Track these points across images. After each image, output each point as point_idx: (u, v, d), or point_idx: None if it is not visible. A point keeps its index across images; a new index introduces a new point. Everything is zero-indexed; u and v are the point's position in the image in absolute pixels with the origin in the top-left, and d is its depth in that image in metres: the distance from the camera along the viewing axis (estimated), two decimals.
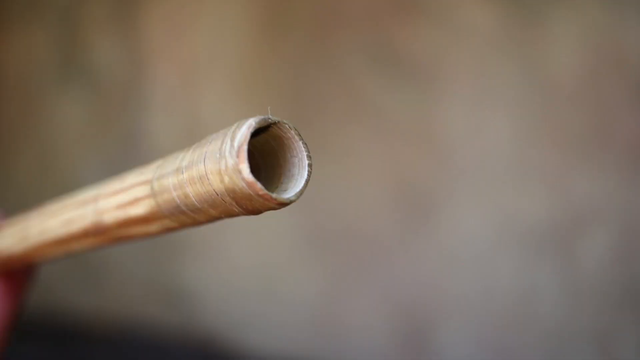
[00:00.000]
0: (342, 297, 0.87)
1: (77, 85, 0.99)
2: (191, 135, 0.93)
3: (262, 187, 0.25)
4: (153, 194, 0.29)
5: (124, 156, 0.97)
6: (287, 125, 0.27)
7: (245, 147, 0.25)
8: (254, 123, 0.25)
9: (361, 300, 0.85)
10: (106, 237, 0.32)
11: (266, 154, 0.27)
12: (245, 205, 0.26)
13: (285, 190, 0.27)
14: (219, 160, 0.25)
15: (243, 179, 0.24)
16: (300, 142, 0.27)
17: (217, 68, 0.92)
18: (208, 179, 0.26)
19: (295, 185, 0.27)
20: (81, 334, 0.93)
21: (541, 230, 0.77)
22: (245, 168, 0.24)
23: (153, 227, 0.30)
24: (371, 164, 0.84)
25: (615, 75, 0.73)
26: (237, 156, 0.24)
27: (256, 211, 0.26)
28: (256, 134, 0.25)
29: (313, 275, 0.87)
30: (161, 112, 0.95)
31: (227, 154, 0.25)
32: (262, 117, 0.25)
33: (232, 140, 0.25)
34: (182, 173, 0.27)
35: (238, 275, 0.91)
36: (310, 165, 0.27)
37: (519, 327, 0.79)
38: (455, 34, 0.80)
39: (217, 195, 0.26)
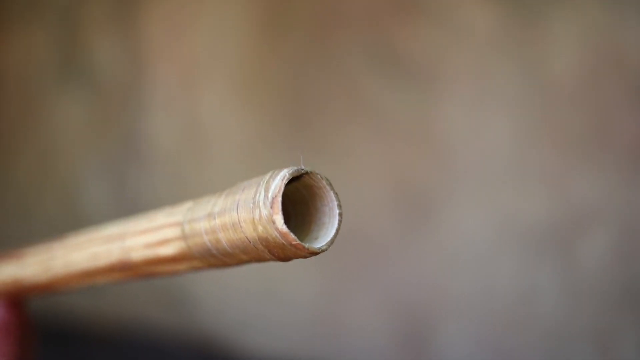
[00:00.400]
0: (342, 298, 0.86)
1: (77, 85, 0.99)
2: (191, 135, 0.93)
3: (295, 238, 0.25)
4: (184, 237, 0.29)
5: (123, 156, 0.97)
6: (318, 176, 0.28)
7: (279, 199, 0.25)
8: (287, 174, 0.26)
9: (361, 300, 0.85)
10: (132, 273, 0.32)
11: (297, 201, 0.28)
12: (277, 253, 0.26)
13: (316, 239, 0.27)
14: (252, 210, 0.25)
15: (277, 229, 0.25)
16: (332, 192, 0.29)
17: (217, 68, 0.92)
18: (241, 226, 0.26)
19: (326, 233, 0.28)
20: (81, 336, 0.93)
21: (541, 230, 0.77)
22: (279, 219, 0.25)
23: (181, 267, 0.30)
24: (371, 165, 0.84)
25: (615, 76, 0.73)
26: (272, 207, 0.25)
27: (287, 258, 0.27)
28: (288, 182, 0.26)
29: (312, 275, 0.87)
30: (161, 112, 0.95)
31: (261, 204, 0.25)
32: (296, 167, 0.26)
33: (266, 190, 0.25)
34: (215, 219, 0.27)
35: (237, 277, 0.91)
36: (340, 215, 0.28)
37: (519, 327, 0.79)
38: (455, 34, 0.80)
39: (250, 242, 0.26)
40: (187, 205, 0.29)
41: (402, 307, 0.83)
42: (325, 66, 0.85)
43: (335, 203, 0.29)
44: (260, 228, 0.25)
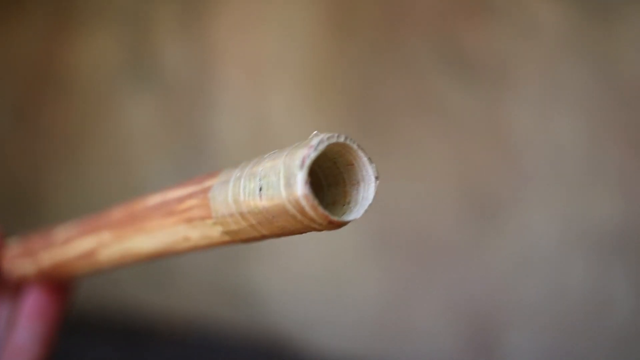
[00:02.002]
0: (406, 300, 0.86)
1: (146, 86, 1.00)
2: (259, 137, 0.93)
3: (325, 212, 0.25)
4: (226, 233, 0.29)
5: (192, 157, 0.98)
6: (340, 140, 0.27)
7: (313, 200, 0.25)
8: (308, 162, 0.25)
9: (427, 303, 0.85)
10: (174, 255, 0.32)
11: (320, 159, 0.27)
12: (309, 225, 0.26)
13: (351, 203, 0.27)
14: (280, 183, 0.25)
15: (306, 201, 0.25)
16: (359, 150, 0.28)
17: (285, 69, 0.92)
18: (271, 193, 0.26)
19: (364, 192, 0.27)
20: (149, 333, 0.94)
21: (614, 233, 0.75)
22: (309, 194, 0.24)
23: (229, 244, 0.30)
24: (439, 166, 0.84)
25: None
26: (301, 185, 0.24)
27: (321, 229, 0.26)
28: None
29: (378, 277, 0.87)
30: (229, 113, 0.95)
31: (288, 182, 0.25)
32: (313, 152, 0.25)
33: (290, 167, 0.25)
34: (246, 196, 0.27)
35: (304, 277, 0.91)
36: (377, 179, 0.28)
37: (590, 334, 0.77)
38: (524, 33, 0.78)
39: (280, 211, 0.26)
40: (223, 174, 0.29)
41: (468, 310, 0.82)
42: (392, 66, 0.85)
43: (365, 159, 0.28)
44: (290, 202, 0.25)
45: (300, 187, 0.24)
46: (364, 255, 0.88)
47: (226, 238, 0.29)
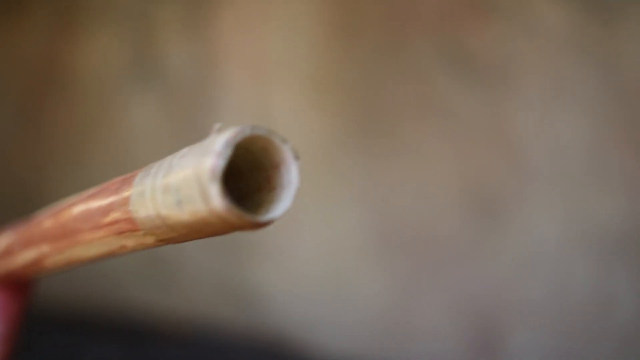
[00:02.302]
0: (409, 300, 0.86)
1: (150, 88, 1.00)
2: None
3: (264, 219, 0.24)
4: (160, 240, 0.28)
5: None
6: (259, 132, 0.25)
7: (236, 211, 0.23)
8: (219, 173, 0.23)
9: (429, 303, 0.84)
10: (117, 256, 0.32)
11: (249, 154, 0.26)
12: (227, 228, 0.25)
13: (277, 189, 0.26)
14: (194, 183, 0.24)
15: (219, 204, 0.24)
16: (284, 146, 0.26)
17: (289, 70, 0.92)
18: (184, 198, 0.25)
19: (287, 185, 0.26)
20: (151, 333, 0.94)
21: (619, 233, 0.75)
22: (221, 195, 0.23)
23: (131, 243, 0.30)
24: (441, 166, 0.83)
25: None
26: (211, 182, 0.23)
27: (243, 229, 0.25)
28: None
29: (381, 277, 0.87)
30: (233, 114, 0.95)
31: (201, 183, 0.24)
32: (222, 161, 0.24)
33: (206, 186, 0.24)
34: (159, 193, 0.26)
35: (306, 277, 0.91)
36: (297, 158, 0.26)
37: (595, 335, 0.77)
38: (528, 33, 0.78)
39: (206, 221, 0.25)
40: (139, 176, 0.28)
41: (471, 310, 0.82)
42: (396, 66, 0.85)
43: (283, 145, 0.26)
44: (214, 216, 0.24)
45: (218, 202, 0.23)
46: (366, 255, 0.88)
47: (162, 243, 0.28)
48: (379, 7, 0.86)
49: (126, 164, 1.03)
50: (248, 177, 0.27)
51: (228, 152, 0.23)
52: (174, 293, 0.99)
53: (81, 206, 0.31)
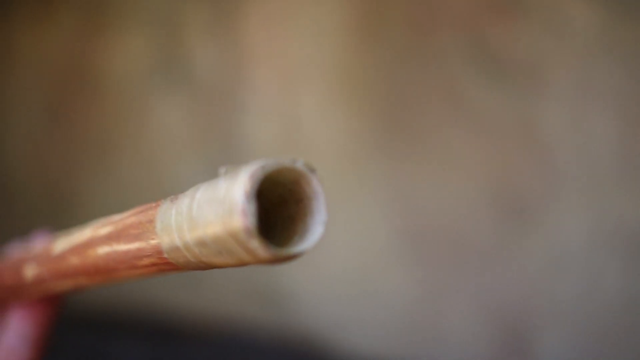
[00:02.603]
0: (438, 301, 0.85)
1: (178, 89, 1.01)
2: (289, 137, 0.94)
3: (271, 249, 0.24)
4: (185, 267, 0.29)
5: (223, 159, 0.98)
6: (295, 164, 0.25)
7: (266, 248, 0.24)
8: (251, 185, 0.24)
9: (458, 304, 0.84)
10: (119, 280, 0.33)
11: (277, 184, 0.26)
12: (255, 261, 0.25)
13: (301, 235, 0.26)
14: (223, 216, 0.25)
15: (251, 239, 0.24)
16: (314, 180, 0.26)
17: (315, 71, 0.92)
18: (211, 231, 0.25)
19: (312, 230, 0.26)
20: (180, 334, 0.94)
21: None
22: (255, 235, 0.24)
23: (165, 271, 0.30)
24: (468, 165, 0.83)
25: None
26: (243, 215, 0.24)
27: (271, 263, 0.26)
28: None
29: (409, 277, 0.87)
30: (260, 115, 0.96)
31: (230, 214, 0.24)
32: (254, 179, 0.24)
33: (233, 201, 0.24)
34: (188, 230, 0.26)
35: (334, 277, 0.91)
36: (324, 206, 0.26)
37: (624, 336, 0.76)
38: (555, 32, 0.78)
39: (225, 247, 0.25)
40: (164, 206, 0.29)
41: (500, 312, 0.82)
42: (423, 67, 0.85)
43: (319, 187, 0.26)
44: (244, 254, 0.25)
45: (263, 253, 0.24)
46: (394, 256, 0.87)
47: (185, 270, 0.29)
48: (405, 8, 0.86)
49: (154, 164, 1.04)
50: (268, 194, 0.27)
51: (253, 207, 0.24)
52: (202, 293, 1.00)
53: (105, 247, 0.32)
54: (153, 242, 0.29)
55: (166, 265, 0.29)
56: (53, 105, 1.11)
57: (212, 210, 0.25)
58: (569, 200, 0.78)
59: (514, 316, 0.81)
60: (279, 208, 0.27)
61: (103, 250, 0.32)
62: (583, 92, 0.77)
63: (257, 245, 0.24)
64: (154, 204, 0.30)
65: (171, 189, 1.01)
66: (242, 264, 0.26)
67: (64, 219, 1.08)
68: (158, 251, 0.29)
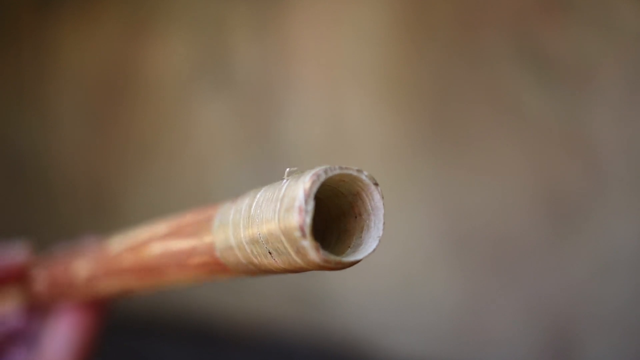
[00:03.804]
0: (483, 305, 0.84)
1: (221, 92, 1.01)
2: (333, 138, 0.93)
3: (329, 256, 0.24)
4: (221, 258, 0.29)
5: (267, 160, 0.98)
6: (353, 173, 0.25)
7: (308, 220, 0.24)
8: (314, 189, 0.24)
9: (502, 308, 0.83)
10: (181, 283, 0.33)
11: (335, 195, 0.26)
12: (313, 266, 0.25)
13: (359, 243, 0.26)
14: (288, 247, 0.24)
15: (310, 250, 0.24)
16: (374, 189, 0.26)
17: (360, 71, 0.91)
18: (273, 243, 0.25)
19: (368, 239, 0.26)
20: (221, 337, 0.94)
21: None
22: (312, 244, 0.24)
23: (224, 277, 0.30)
24: (515, 167, 0.82)
25: None
26: (302, 230, 0.24)
27: (326, 269, 0.25)
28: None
29: (452, 280, 0.86)
30: (304, 116, 0.95)
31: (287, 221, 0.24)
32: (318, 173, 0.24)
33: (289, 210, 0.24)
34: (244, 233, 0.26)
35: (376, 282, 0.90)
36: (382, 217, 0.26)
37: None
38: (606, 33, 0.76)
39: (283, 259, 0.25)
40: (218, 228, 0.28)
41: (547, 317, 0.80)
42: (470, 67, 0.84)
43: (380, 201, 0.26)
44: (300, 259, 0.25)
45: (314, 256, 0.24)
46: (437, 259, 0.86)
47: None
48: (452, 7, 0.85)
49: (198, 166, 1.04)
50: (328, 205, 0.27)
51: (311, 207, 0.24)
52: (245, 298, 1.00)
53: (159, 245, 0.32)
54: (207, 240, 0.29)
55: (216, 265, 0.29)
56: (97, 108, 1.12)
57: (270, 208, 0.25)
58: (617, 203, 0.76)
59: (560, 321, 0.80)
60: (336, 221, 0.27)
61: (157, 248, 0.32)
62: (631, 93, 0.75)
63: (308, 246, 0.24)
64: (214, 205, 0.30)
65: (214, 192, 1.01)
66: (291, 267, 0.25)
67: (107, 220, 1.09)
68: (211, 249, 0.29)
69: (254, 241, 0.26)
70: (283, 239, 0.24)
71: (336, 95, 0.93)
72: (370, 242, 0.26)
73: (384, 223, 0.26)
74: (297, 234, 0.24)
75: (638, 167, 0.76)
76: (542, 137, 0.80)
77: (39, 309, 0.42)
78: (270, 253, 0.25)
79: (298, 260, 0.24)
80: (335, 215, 0.27)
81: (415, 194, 0.88)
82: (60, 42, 1.13)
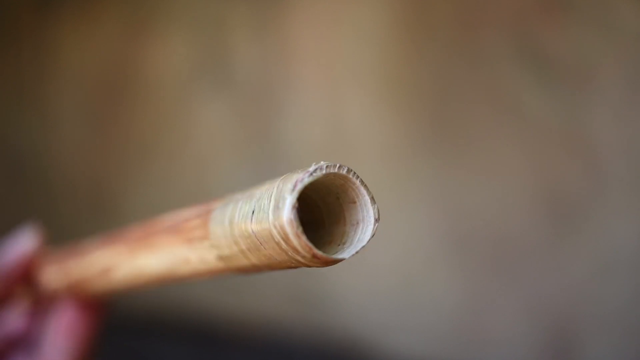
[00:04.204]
0: (483, 305, 0.84)
1: (221, 92, 1.01)
2: (333, 138, 0.93)
3: (322, 254, 0.24)
4: (221, 258, 0.28)
5: (267, 160, 0.98)
6: (341, 170, 0.25)
7: (292, 216, 0.24)
8: (300, 184, 0.24)
9: (504, 309, 0.83)
10: (180, 281, 0.33)
11: (326, 193, 0.26)
12: (306, 263, 0.25)
13: (346, 244, 0.26)
14: (270, 225, 0.24)
15: (301, 245, 0.24)
16: (362, 187, 0.25)
17: (360, 71, 0.91)
18: (263, 241, 0.25)
19: (361, 233, 0.26)
20: (220, 337, 0.94)
21: None
22: (301, 239, 0.24)
23: (224, 273, 0.30)
24: (515, 167, 0.82)
25: None
26: (289, 225, 0.24)
27: (320, 265, 0.25)
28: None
29: (452, 280, 0.86)
30: (304, 117, 0.95)
31: (277, 220, 0.24)
32: (307, 171, 0.24)
33: (279, 208, 0.24)
34: (236, 229, 0.26)
35: (376, 282, 0.90)
36: (377, 212, 0.26)
37: None
38: (607, 33, 0.76)
39: (288, 256, 0.25)
40: (217, 213, 0.29)
41: (547, 317, 0.80)
42: (470, 67, 0.84)
43: (368, 198, 0.25)
44: (283, 244, 0.24)
45: (286, 212, 0.24)
46: (437, 259, 0.86)
47: (221, 264, 0.28)
48: (451, 7, 0.85)
49: (197, 165, 1.04)
50: (327, 229, 0.27)
51: (318, 174, 0.24)
52: (244, 297, 1.00)
53: (173, 217, 0.33)
54: (214, 205, 0.29)
55: (201, 229, 0.29)
56: (97, 108, 1.12)
57: (263, 201, 0.25)
58: (617, 204, 0.77)
59: (560, 321, 0.80)
60: (335, 227, 0.27)
61: (169, 220, 0.33)
62: (631, 93, 0.75)
63: (289, 204, 0.24)
64: (212, 200, 0.30)
65: (214, 192, 1.01)
66: (281, 259, 0.25)
67: (107, 220, 1.09)
68: (209, 211, 0.29)
69: (249, 197, 0.26)
70: (274, 191, 0.24)
71: (336, 95, 0.93)
72: (352, 248, 0.26)
73: (375, 219, 0.25)
74: (289, 185, 0.24)
75: (638, 167, 0.76)
76: (542, 137, 0.80)
77: (41, 310, 0.42)
78: (252, 212, 0.25)
79: (271, 219, 0.24)
80: (327, 213, 0.27)
81: (415, 194, 0.88)
82: (60, 42, 1.13)
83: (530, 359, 0.81)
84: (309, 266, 0.25)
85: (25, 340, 0.41)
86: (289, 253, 0.24)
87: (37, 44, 1.14)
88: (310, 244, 0.24)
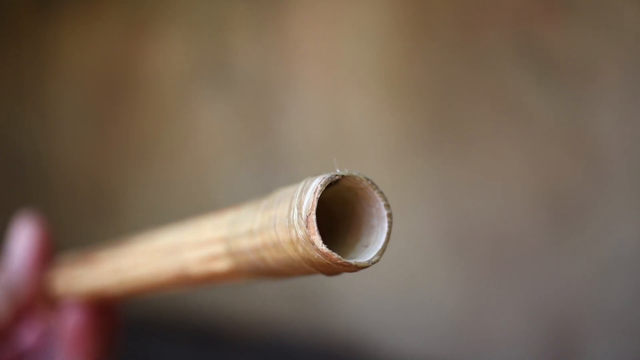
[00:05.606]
0: (483, 305, 0.84)
1: (221, 91, 1.01)
2: (333, 138, 0.93)
3: (339, 257, 0.23)
4: (231, 254, 0.28)
5: (268, 161, 0.98)
6: (357, 177, 0.25)
7: (313, 217, 0.23)
8: (319, 186, 0.23)
9: (504, 309, 0.83)
10: (193, 283, 0.32)
11: (341, 202, 0.26)
12: (325, 270, 0.25)
13: (366, 247, 0.25)
14: (289, 229, 0.24)
15: (317, 250, 0.23)
16: (376, 192, 0.26)
17: (361, 71, 0.91)
18: (282, 246, 0.25)
19: (376, 239, 0.25)
20: (220, 337, 0.94)
21: None
22: (317, 240, 0.23)
23: (237, 280, 0.30)
24: (516, 167, 0.82)
25: None
26: (307, 227, 0.23)
27: (337, 274, 0.25)
28: (327, 187, 0.24)
29: (453, 280, 0.86)
30: (306, 116, 0.95)
31: (296, 224, 0.23)
32: (328, 175, 0.24)
33: (299, 207, 0.23)
34: (256, 236, 0.26)
35: (377, 281, 0.90)
36: (390, 216, 0.26)
37: None
38: (608, 35, 0.76)
39: (294, 261, 0.25)
40: (231, 215, 0.28)
41: (548, 317, 0.80)
42: (470, 67, 0.84)
43: (382, 203, 0.26)
44: (300, 249, 0.24)
45: (310, 218, 0.23)
46: (437, 259, 0.86)
47: (237, 269, 0.28)
48: (451, 7, 0.85)
49: (198, 166, 1.04)
50: (343, 237, 0.27)
51: (316, 198, 0.24)
52: (244, 297, 1.00)
53: (189, 225, 0.33)
54: (223, 240, 0.29)
55: (232, 268, 0.29)
56: (97, 108, 1.12)
57: (282, 206, 0.25)
58: (618, 204, 0.76)
59: (561, 321, 0.79)
60: (346, 226, 0.27)
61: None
62: (632, 93, 0.75)
63: (307, 234, 0.23)
64: (234, 207, 0.30)
65: (214, 192, 1.01)
66: (295, 263, 0.25)
67: (107, 221, 1.09)
68: (228, 252, 0.29)
69: (269, 244, 0.26)
70: (291, 234, 0.24)
71: (336, 95, 0.93)
72: (378, 234, 0.26)
73: (388, 232, 0.26)
74: (302, 224, 0.23)
75: (638, 166, 0.76)
76: (543, 137, 0.80)
77: (53, 317, 0.41)
78: (285, 254, 0.25)
79: (301, 251, 0.24)
80: (342, 219, 0.26)
81: (416, 193, 0.88)
82: (60, 42, 1.13)
83: (530, 359, 0.81)
84: (327, 273, 0.25)
85: (36, 352, 0.41)
86: (312, 259, 0.24)
87: (37, 44, 1.14)
88: (355, 263, 0.24)
